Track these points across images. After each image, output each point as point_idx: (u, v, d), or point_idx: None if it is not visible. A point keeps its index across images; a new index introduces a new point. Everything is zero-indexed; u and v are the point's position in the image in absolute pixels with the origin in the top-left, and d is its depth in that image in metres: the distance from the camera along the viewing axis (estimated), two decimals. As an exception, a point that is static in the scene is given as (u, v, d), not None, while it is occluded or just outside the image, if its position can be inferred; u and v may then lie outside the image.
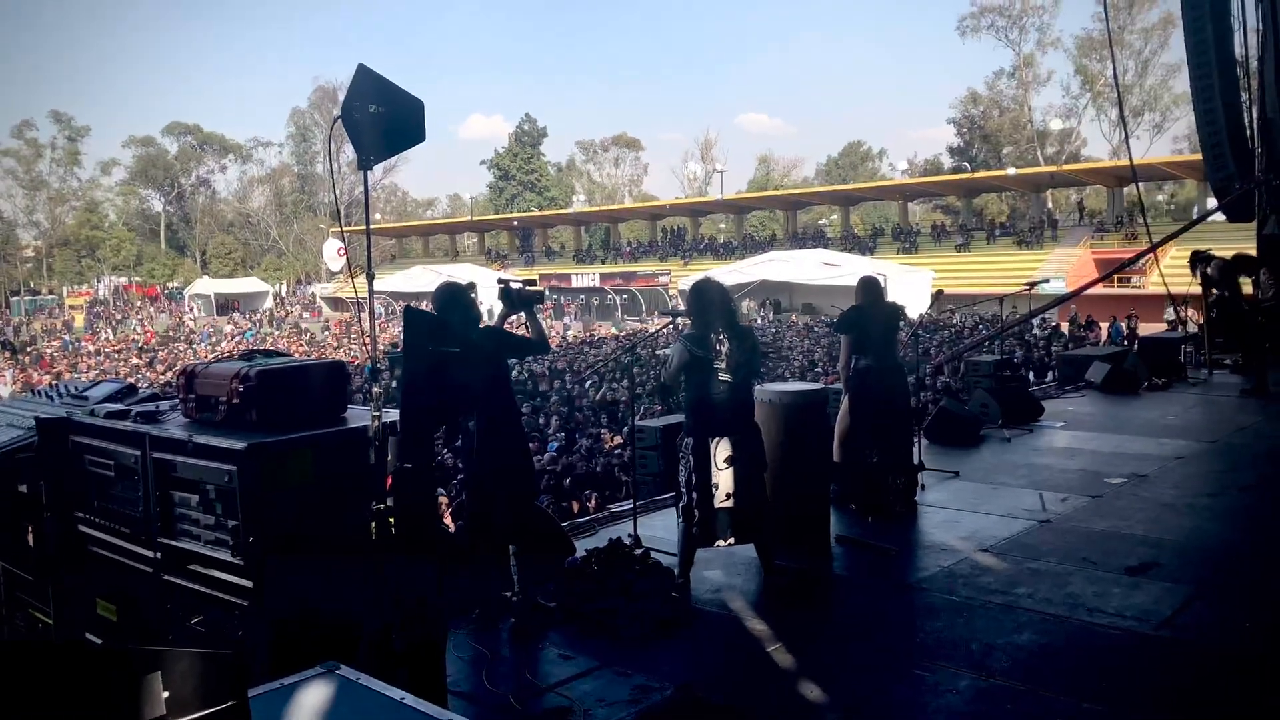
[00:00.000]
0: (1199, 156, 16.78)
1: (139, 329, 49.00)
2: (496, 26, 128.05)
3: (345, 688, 2.38)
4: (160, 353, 35.21)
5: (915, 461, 7.45)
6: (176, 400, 3.93)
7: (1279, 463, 8.28)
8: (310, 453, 3.46)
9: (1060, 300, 22.14)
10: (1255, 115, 14.39)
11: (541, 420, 13.91)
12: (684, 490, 5.35)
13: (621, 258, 54.17)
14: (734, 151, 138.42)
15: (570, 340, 31.16)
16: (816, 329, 28.70)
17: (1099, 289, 31.39)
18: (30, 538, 4.20)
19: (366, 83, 3.88)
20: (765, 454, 5.46)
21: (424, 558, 3.69)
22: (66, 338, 45.11)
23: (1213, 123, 14.19)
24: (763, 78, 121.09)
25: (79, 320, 54.59)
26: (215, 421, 3.61)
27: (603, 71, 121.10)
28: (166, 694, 1.55)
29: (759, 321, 34.29)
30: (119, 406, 4.02)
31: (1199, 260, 12.19)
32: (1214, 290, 11.99)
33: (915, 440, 7.75)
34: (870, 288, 7.07)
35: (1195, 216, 35.98)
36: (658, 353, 13.56)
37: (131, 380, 23.15)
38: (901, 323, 7.45)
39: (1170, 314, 24.14)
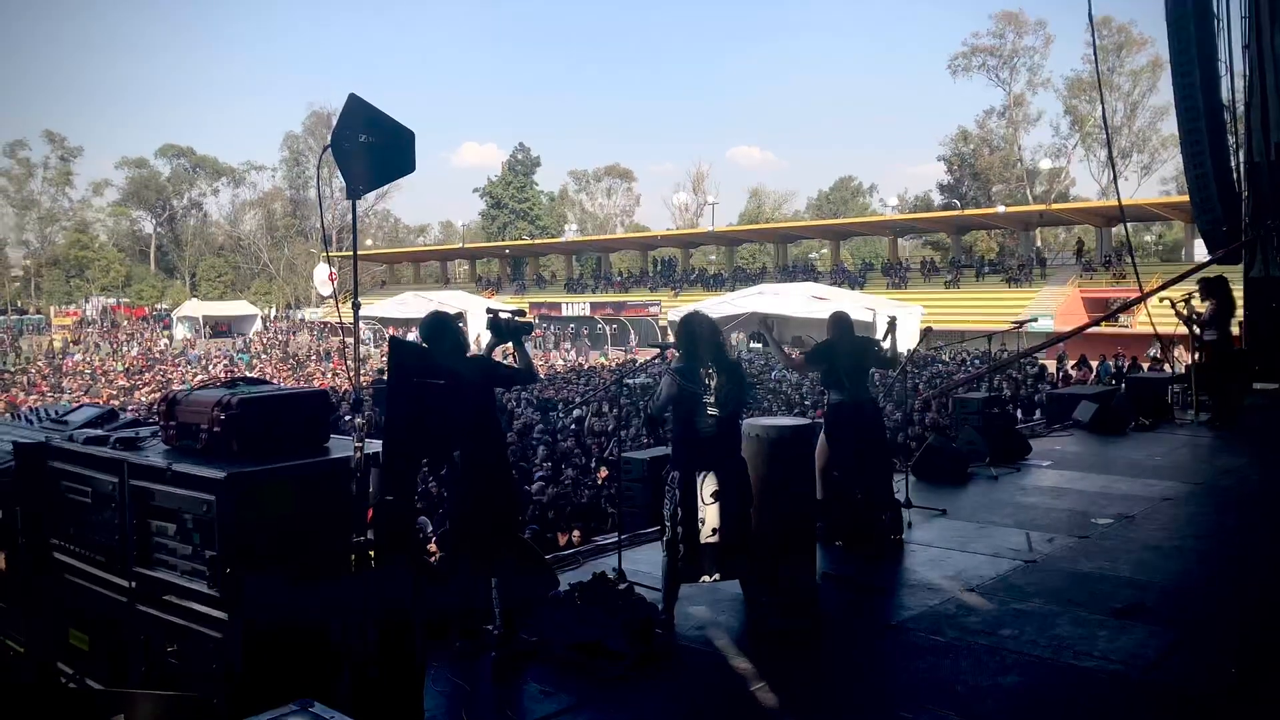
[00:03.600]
0: (1186, 198, 16.95)
1: (120, 351, 48.67)
2: (492, 55, 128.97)
3: (318, 727, 2.33)
4: (145, 375, 35.02)
5: (899, 497, 7.43)
6: (157, 427, 3.89)
7: (1265, 506, 8.27)
8: (291, 483, 3.42)
9: (1055, 340, 22.25)
10: (1242, 159, 14.54)
11: (539, 455, 13.83)
12: (669, 524, 5.30)
13: (612, 287, 54.23)
14: (726, 184, 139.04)
15: (558, 370, 31.08)
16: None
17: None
18: (3, 564, 4.13)
19: (357, 112, 3.87)
20: (752, 489, 5.43)
21: (405, 589, 3.65)
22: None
23: (1200, 165, 14.32)
24: (755, 111, 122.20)
25: (57, 341, 54.22)
26: (196, 450, 3.56)
27: (597, 103, 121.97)
28: (130, 737, 1.51)
29: (745, 353, 34.28)
30: (98, 432, 3.97)
31: (1211, 290, 12.14)
32: (1204, 329, 12.01)
33: (900, 474, 7.73)
34: (840, 322, 7.09)
35: (1184, 259, 36.34)
36: (626, 382, 13.46)
37: (115, 404, 23.01)
38: (875, 354, 7.43)
39: (1153, 352, 24.28)
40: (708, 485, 5.22)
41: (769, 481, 5.75)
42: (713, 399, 5.23)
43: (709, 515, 5.22)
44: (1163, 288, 15.47)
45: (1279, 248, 13.89)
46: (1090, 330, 31.27)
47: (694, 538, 5.22)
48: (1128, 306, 16.38)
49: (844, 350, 6.93)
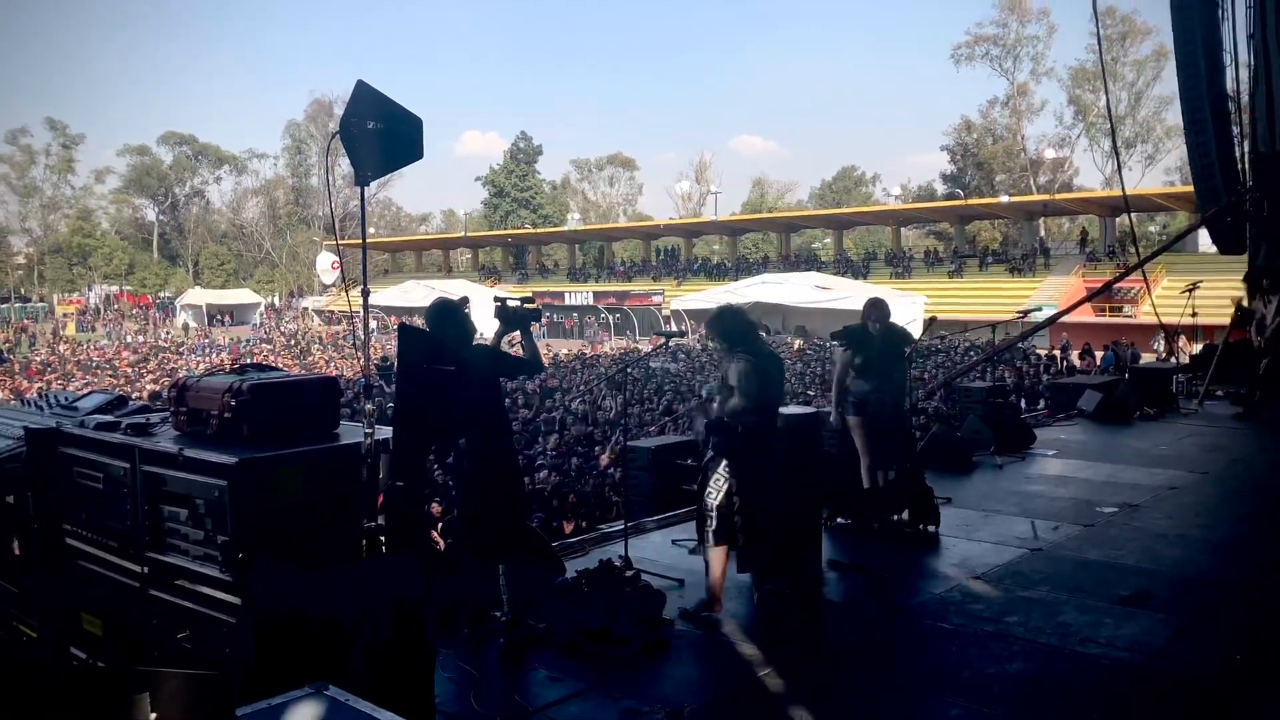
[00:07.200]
0: (1191, 188, 16.93)
1: (126, 337, 48.72)
2: (494, 45, 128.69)
3: (334, 709, 2.35)
4: (151, 362, 35.07)
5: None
6: (168, 413, 3.90)
7: (1271, 494, 8.29)
8: (302, 469, 3.43)
9: (1047, 322, 22.24)
10: (1247, 149, 14.50)
11: (544, 443, 13.86)
12: (714, 515, 5.15)
13: (615, 276, 54.22)
14: (729, 173, 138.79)
15: (563, 358, 31.06)
16: (809, 351, 28.75)
17: (1091, 318, 31.59)
18: (16, 549, 4.14)
19: (366, 99, 3.87)
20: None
21: (414, 574, 3.66)
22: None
23: (1205, 155, 14.28)
24: (758, 101, 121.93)
25: (70, 328, 54.34)
26: (207, 435, 3.57)
27: (599, 91, 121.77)
28: (154, 715, 1.53)
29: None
30: (109, 418, 3.97)
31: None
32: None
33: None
34: (879, 307, 7.02)
35: (1186, 246, 36.28)
36: (653, 364, 13.45)
37: (121, 391, 23.01)
38: (907, 348, 7.37)
39: (1159, 345, 24.27)
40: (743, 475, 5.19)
41: (777, 469, 5.75)
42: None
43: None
44: (1150, 258, 15.43)
45: (1255, 218, 13.87)
46: (1097, 320, 31.31)
47: (753, 528, 5.18)
48: (1114, 282, 16.41)
49: (877, 338, 6.91)
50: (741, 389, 5.10)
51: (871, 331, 6.91)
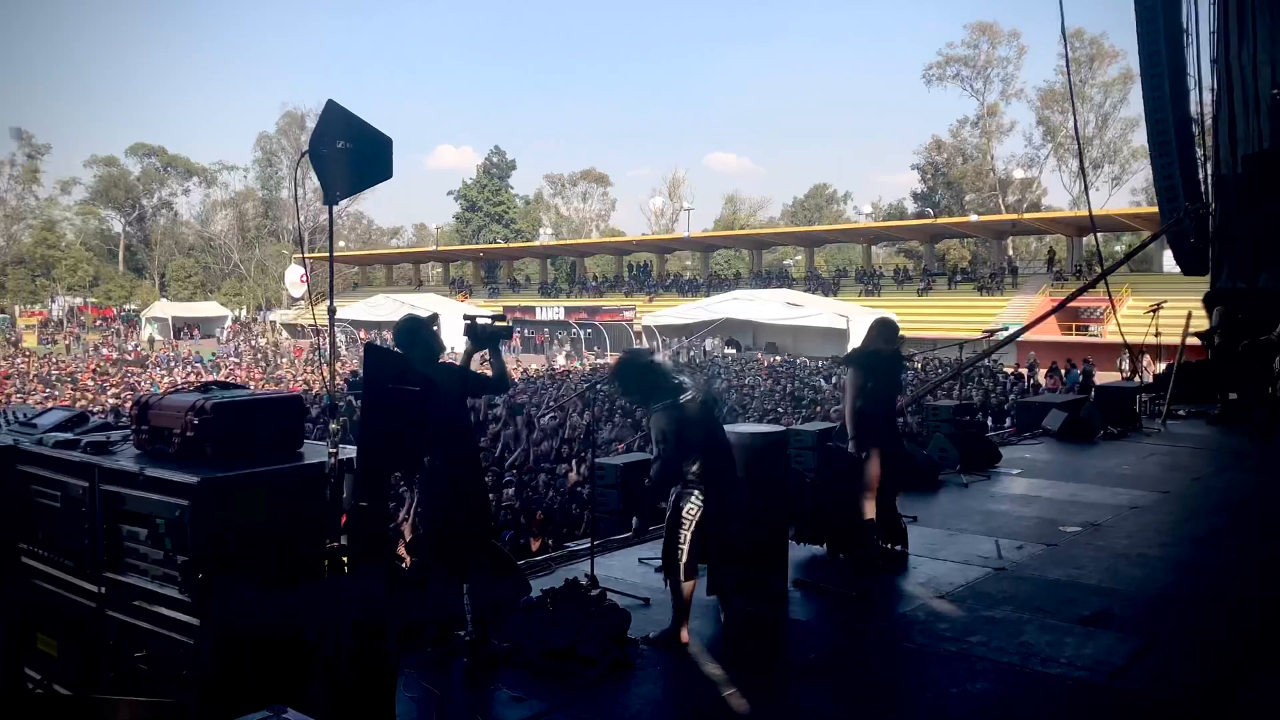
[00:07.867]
0: (1156, 209, 17.22)
1: (89, 349, 48.05)
2: (468, 58, 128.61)
3: (292, 733, 2.33)
4: (114, 376, 34.61)
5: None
6: (129, 430, 3.86)
7: (1231, 514, 8.39)
8: (264, 488, 3.41)
9: (1010, 338, 22.47)
10: (1210, 171, 14.76)
11: (510, 460, 13.79)
12: (685, 547, 5.02)
13: (587, 292, 54.26)
14: (701, 190, 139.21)
15: (531, 374, 30.96)
16: (779, 369, 28.84)
17: (1058, 336, 31.95)
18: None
19: (335, 119, 3.86)
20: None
21: (379, 594, 3.64)
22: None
23: (1169, 177, 14.53)
24: (732, 118, 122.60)
25: (31, 340, 53.57)
26: (168, 454, 3.54)
27: (573, 107, 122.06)
28: (105, 744, 1.51)
29: (720, 358, 34.29)
30: (68, 435, 3.93)
31: (1214, 301, 12.34)
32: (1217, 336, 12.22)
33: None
34: (889, 328, 6.90)
35: (1152, 266, 36.77)
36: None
37: (82, 404, 22.73)
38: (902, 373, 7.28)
39: (1123, 364, 24.59)
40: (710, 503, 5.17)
41: (742, 492, 5.75)
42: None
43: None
44: (1111, 270, 15.67)
45: (1196, 231, 14.14)
46: (1063, 339, 31.69)
47: (722, 551, 5.15)
48: (1076, 295, 16.75)
49: (889, 362, 6.82)
50: (662, 450, 4.99)
51: (883, 354, 6.78)
